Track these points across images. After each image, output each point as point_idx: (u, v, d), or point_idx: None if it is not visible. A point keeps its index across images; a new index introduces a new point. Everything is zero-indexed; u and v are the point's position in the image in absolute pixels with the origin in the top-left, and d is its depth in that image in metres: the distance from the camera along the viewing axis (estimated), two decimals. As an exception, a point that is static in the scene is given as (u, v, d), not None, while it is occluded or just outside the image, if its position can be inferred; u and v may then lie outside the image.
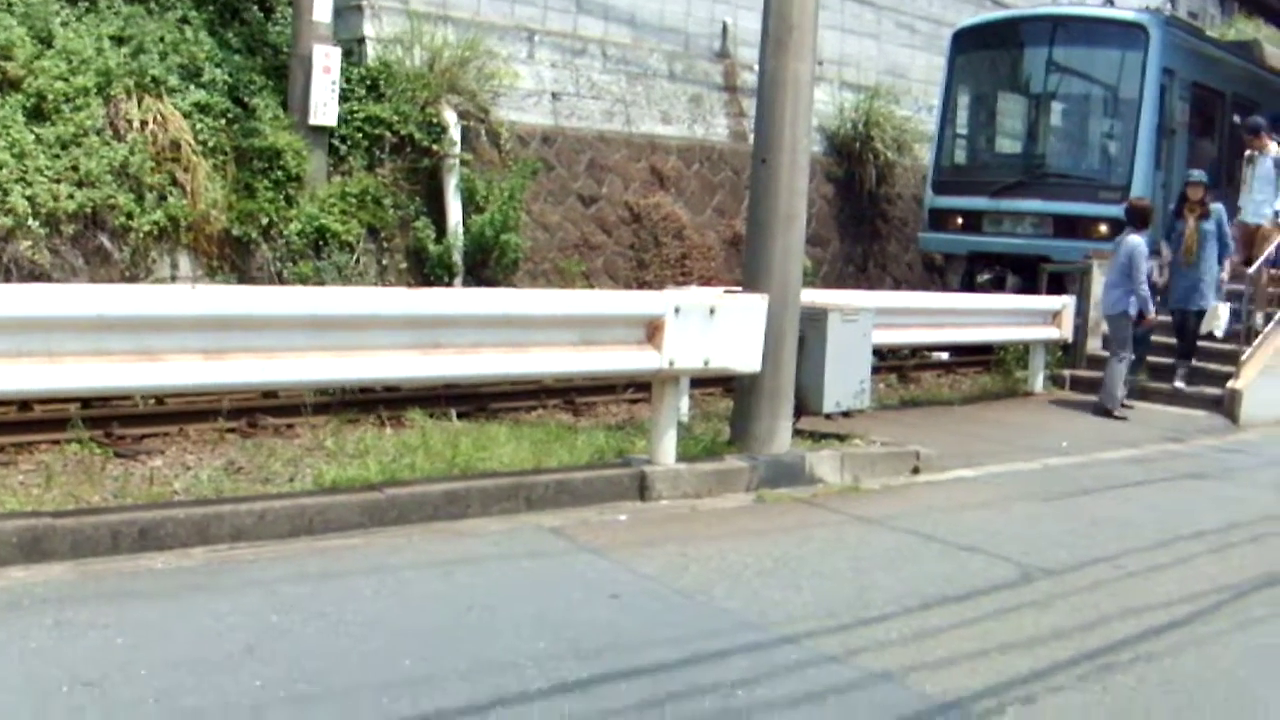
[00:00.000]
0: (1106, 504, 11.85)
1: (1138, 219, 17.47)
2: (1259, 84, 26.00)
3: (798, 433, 12.19)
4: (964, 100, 24.07)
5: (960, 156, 24.13)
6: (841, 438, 12.59)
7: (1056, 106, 23.61)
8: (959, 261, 23.39)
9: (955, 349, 19.92)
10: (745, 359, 11.02)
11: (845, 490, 11.50)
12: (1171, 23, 23.32)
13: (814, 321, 12.19)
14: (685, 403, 12.70)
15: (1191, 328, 18.41)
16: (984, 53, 23.93)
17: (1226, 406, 17.59)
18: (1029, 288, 20.85)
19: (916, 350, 19.12)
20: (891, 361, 18.35)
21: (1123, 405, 17.28)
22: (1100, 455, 14.39)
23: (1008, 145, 24.17)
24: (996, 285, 22.26)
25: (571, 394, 14.39)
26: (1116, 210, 19.27)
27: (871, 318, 13.00)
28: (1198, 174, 19.08)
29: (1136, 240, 17.12)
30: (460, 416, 12.90)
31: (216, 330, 8.47)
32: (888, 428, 13.79)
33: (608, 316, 10.45)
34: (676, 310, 10.42)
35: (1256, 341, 18.65)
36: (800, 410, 12.24)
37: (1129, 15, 22.37)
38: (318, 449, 11.18)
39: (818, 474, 11.64)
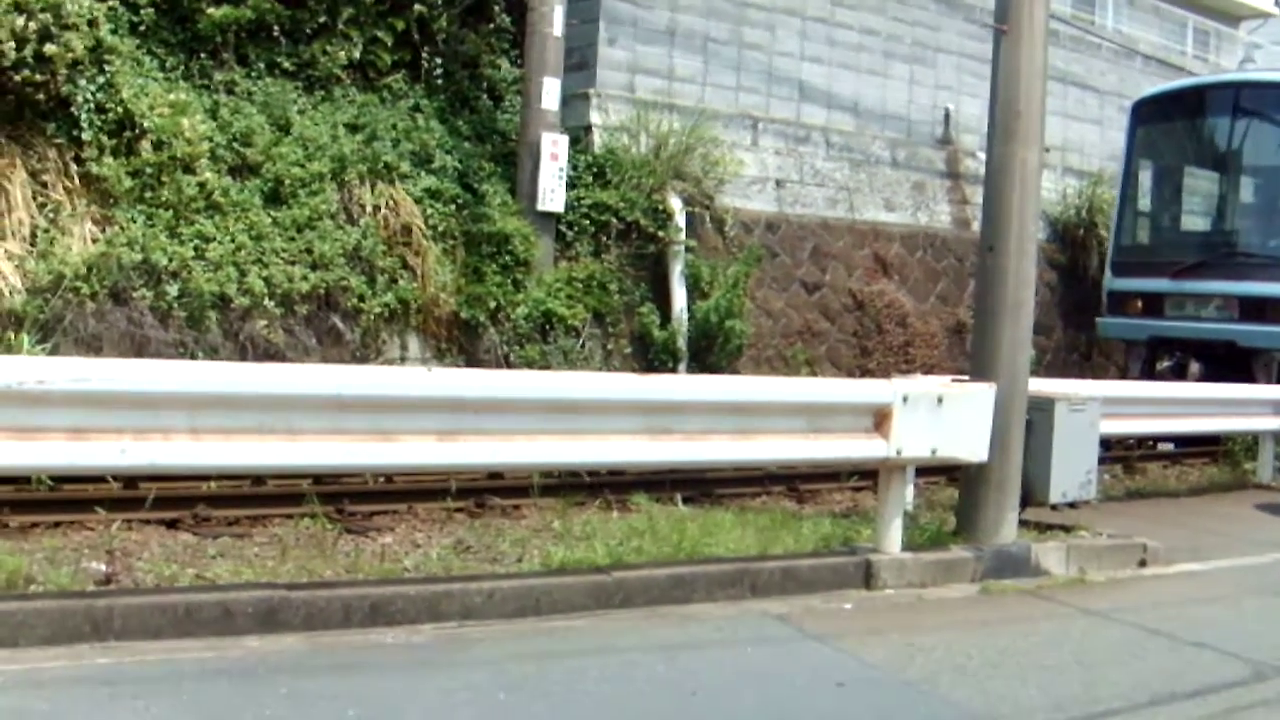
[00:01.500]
0: (1344, 602, 11.57)
1: None
2: None
3: (1023, 523, 12.02)
4: (1145, 175, 22.85)
5: (1141, 235, 22.91)
6: (1067, 529, 12.40)
7: (1243, 180, 22.06)
8: (1140, 349, 21.71)
9: (1181, 439, 19.17)
10: (973, 448, 10.92)
11: (1071, 582, 11.32)
12: None
13: (1041, 411, 12.04)
14: (910, 491, 12.58)
15: None
16: (1166, 124, 22.66)
17: None
18: (1214, 375, 19.67)
19: (1142, 441, 18.62)
20: (1117, 451, 17.88)
21: None
22: (1336, 550, 14.01)
23: (1191, 223, 22.94)
24: (1177, 373, 21.20)
25: (796, 481, 14.33)
26: None
27: (1099, 407, 12.81)
28: None
29: None
30: (686, 501, 12.93)
31: (451, 412, 8.59)
32: (1113, 519, 13.51)
33: (836, 404, 10.40)
34: (905, 399, 10.36)
35: None
36: (1026, 500, 12.07)
37: None
38: (545, 530, 11.27)
39: (1043, 565, 11.48)
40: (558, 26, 17.10)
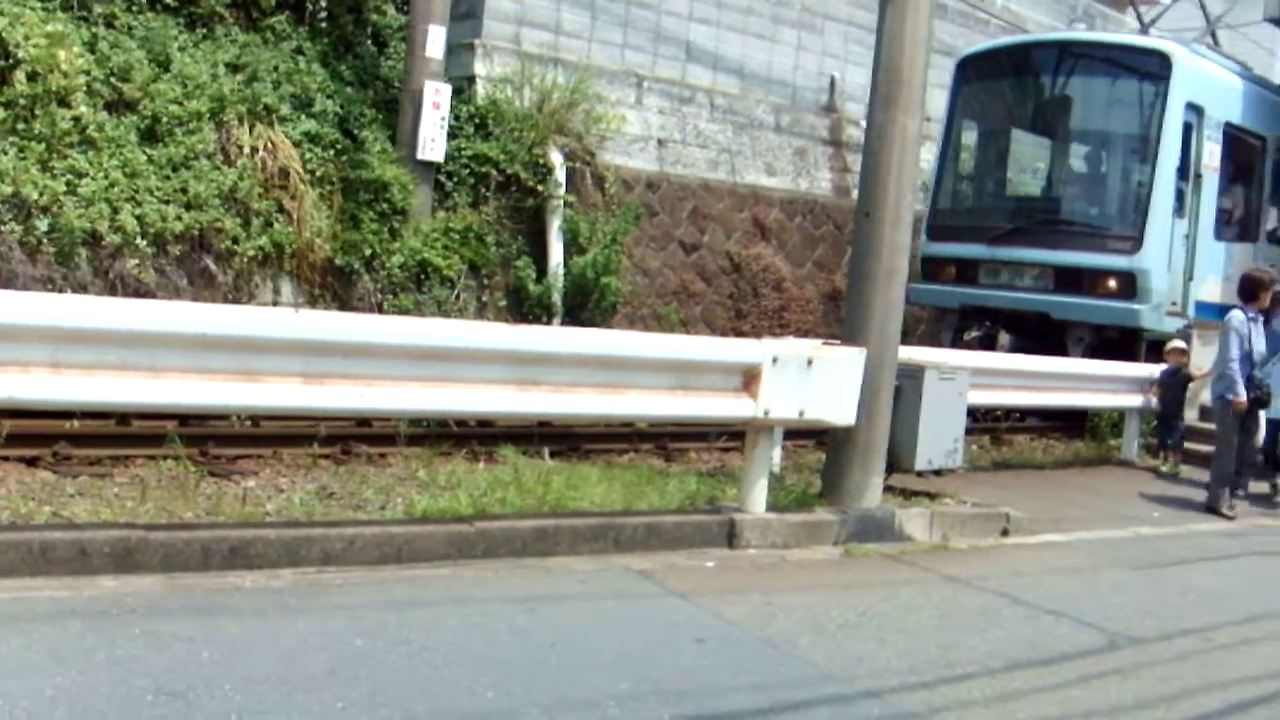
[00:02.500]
0: (1197, 575, 11.76)
1: (1246, 291, 15.73)
2: None
3: (888, 489, 12.15)
4: (968, 136, 22.14)
5: (960, 199, 22.14)
6: (932, 496, 12.56)
7: (1066, 145, 21.55)
8: (952, 317, 21.02)
9: (1050, 413, 19.33)
10: (840, 412, 10.96)
11: (934, 549, 11.45)
12: (1203, 53, 20.93)
13: (910, 378, 12.16)
14: (778, 453, 12.66)
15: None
16: (991, 83, 21.80)
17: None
18: (1026, 348, 18.38)
19: (1010, 412, 18.74)
20: (985, 423, 18.11)
21: (1228, 505, 15.23)
22: (1193, 526, 14.27)
23: (1011, 187, 22.22)
24: (986, 345, 19.38)
25: (664, 439, 14.39)
26: (1126, 263, 18.64)
27: (968, 377, 12.96)
28: None
29: (1231, 315, 15.42)
30: (553, 455, 12.94)
31: (317, 355, 8.53)
32: (978, 489, 13.70)
33: (705, 363, 10.39)
34: (774, 360, 10.38)
35: None
36: (892, 467, 12.18)
37: (1150, 42, 20.50)
38: (410, 479, 11.24)
39: (907, 531, 11.60)
40: (446, -27, 16.94)
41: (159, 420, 11.21)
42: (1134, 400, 18.04)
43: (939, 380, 12.39)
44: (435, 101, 16.54)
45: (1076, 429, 19.58)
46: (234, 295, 14.61)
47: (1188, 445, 18.12)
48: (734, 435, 13.83)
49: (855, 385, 11.01)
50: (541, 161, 17.87)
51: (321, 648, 6.86)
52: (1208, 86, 19.94)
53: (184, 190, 14.29)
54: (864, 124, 12.22)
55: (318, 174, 15.66)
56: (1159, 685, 7.91)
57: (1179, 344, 18.16)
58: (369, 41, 18.02)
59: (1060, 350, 18.82)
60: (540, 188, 17.77)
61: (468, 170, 17.33)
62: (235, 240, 14.58)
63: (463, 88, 17.99)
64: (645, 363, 10.07)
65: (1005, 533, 12.40)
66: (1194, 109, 19.45)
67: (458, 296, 16.55)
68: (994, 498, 13.23)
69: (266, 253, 14.87)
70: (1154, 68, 19.37)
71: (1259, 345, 15.35)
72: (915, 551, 11.25)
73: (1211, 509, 15.08)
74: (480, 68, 18.43)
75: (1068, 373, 17.19)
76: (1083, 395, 17.69)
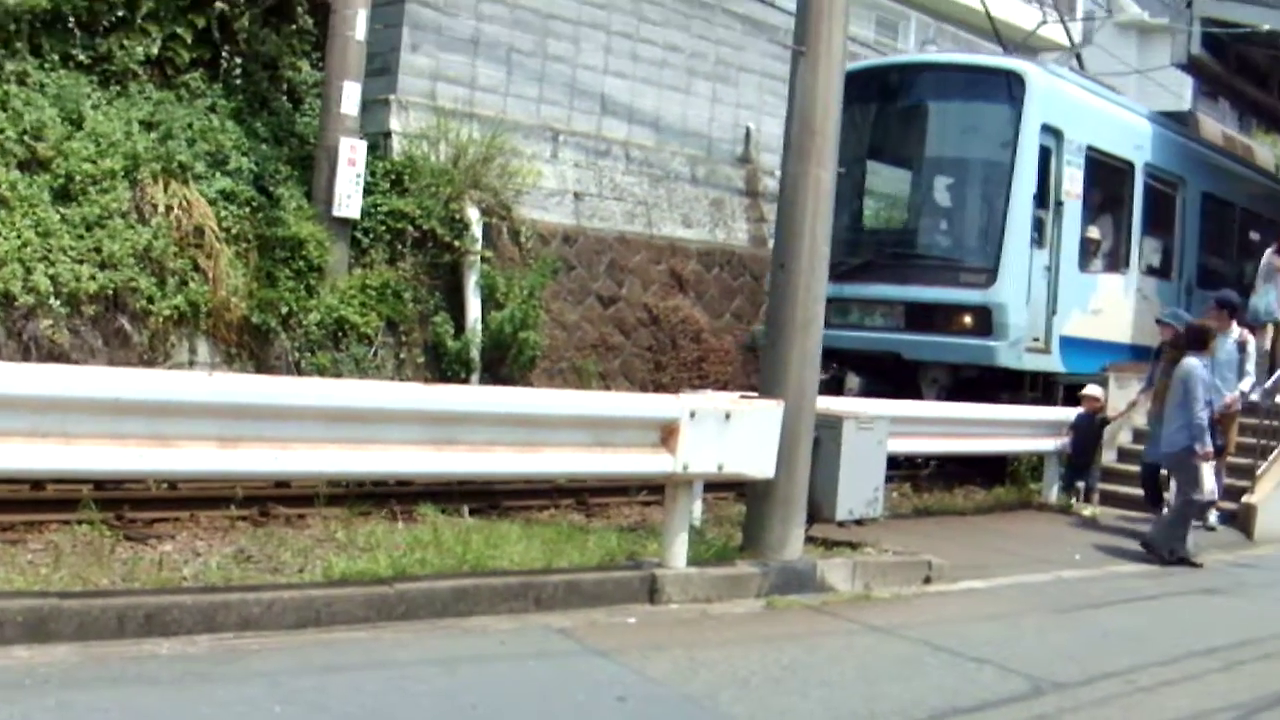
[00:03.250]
0: (1119, 617, 11.89)
1: (1196, 341, 15.48)
2: (1190, 159, 22.51)
3: (810, 539, 12.16)
4: None
5: None
6: (854, 545, 12.57)
7: (920, 173, 20.23)
8: None
9: (971, 459, 18.82)
10: (759, 465, 10.99)
11: (856, 599, 11.45)
12: (1062, 74, 20.34)
13: (829, 428, 12.16)
14: (698, 507, 12.65)
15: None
16: (844, 109, 19.72)
17: (1241, 521, 17.32)
18: (877, 391, 18.00)
19: (930, 459, 18.71)
20: (906, 470, 18.15)
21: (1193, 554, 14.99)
22: (1113, 568, 14.41)
23: (862, 219, 20.77)
24: (833, 389, 17.81)
25: (585, 494, 14.34)
26: (980, 297, 17.66)
27: (887, 426, 12.98)
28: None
29: (1192, 364, 15.06)
30: (473, 513, 12.88)
31: (232, 419, 8.47)
32: (901, 537, 13.71)
33: (622, 419, 10.43)
34: (692, 415, 10.41)
35: (1273, 455, 18.04)
36: (814, 517, 12.19)
37: (1002, 62, 19.50)
38: (328, 540, 11.14)
39: (829, 582, 11.60)
40: (360, 31, 16.94)
41: (74, 484, 11.09)
42: (1052, 444, 18.08)
43: (858, 430, 12.40)
44: (351, 158, 16.53)
45: (998, 474, 19.40)
46: (150, 355, 14.54)
47: (1106, 487, 18.25)
48: (655, 489, 13.79)
49: (774, 438, 11.03)
50: (458, 217, 17.88)
51: (241, 715, 6.80)
52: (1067, 108, 19.21)
53: (98, 250, 14.23)
54: (779, 174, 12.27)
55: (233, 232, 15.63)
56: (1082, 731, 7.97)
57: (1094, 390, 18.06)
58: (284, 98, 17.98)
59: (915, 393, 18.17)
60: (457, 243, 17.78)
61: (384, 226, 17.33)
62: (150, 300, 14.52)
63: (378, 144, 17.99)
64: (561, 420, 10.08)
65: (928, 580, 12.42)
66: (1051, 132, 18.62)
67: (376, 354, 16.53)
68: (916, 545, 13.24)
69: (182, 312, 14.82)
70: (1007, 89, 18.52)
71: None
72: (837, 602, 11.25)
73: (1182, 560, 14.84)
74: (396, 123, 18.43)
75: (985, 419, 17.18)
76: (1001, 440, 17.72)
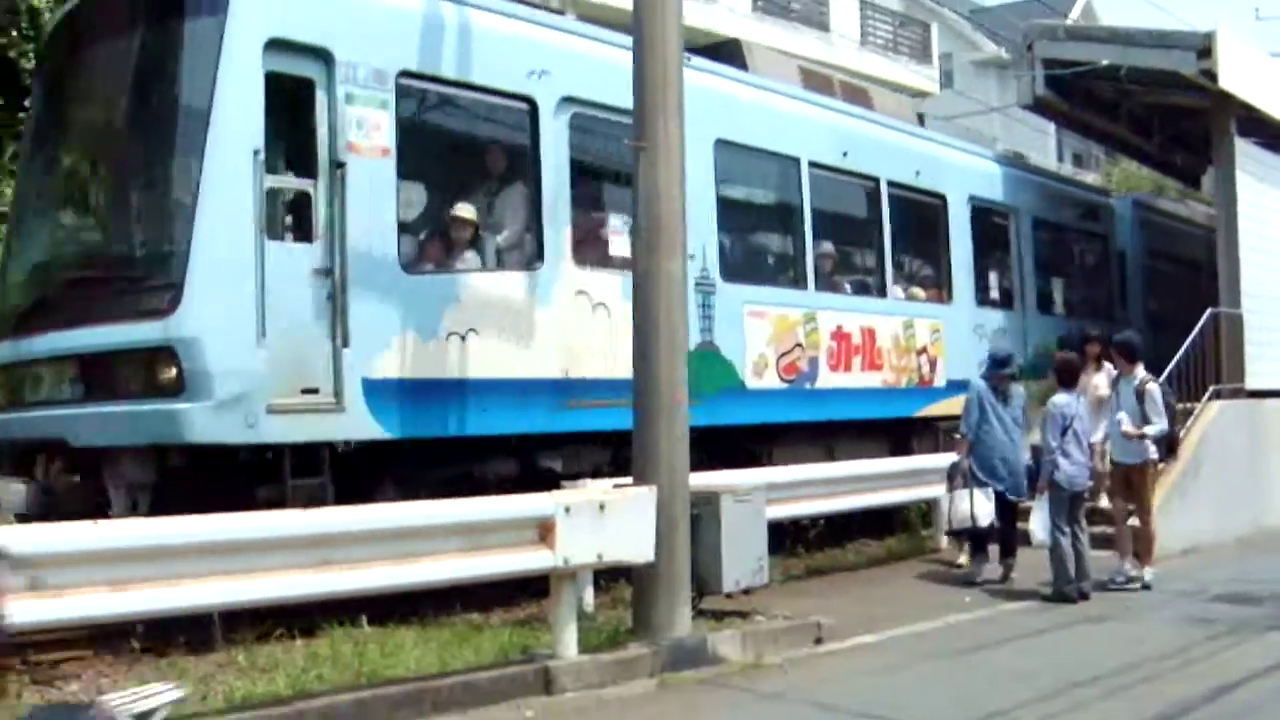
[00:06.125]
0: (1006, 656, 12.25)
1: (1066, 377, 15.61)
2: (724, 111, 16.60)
3: (700, 613, 12.46)
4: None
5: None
6: (744, 615, 12.87)
7: (88, 150, 13.73)
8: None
9: (857, 514, 18.43)
10: (639, 550, 11.33)
11: (747, 668, 11.73)
12: None
13: (707, 505, 12.43)
14: (589, 593, 12.89)
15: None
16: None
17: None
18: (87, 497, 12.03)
19: (817, 520, 17.94)
20: (794, 530, 18.03)
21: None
22: (1002, 606, 14.82)
23: (40, 241, 13.72)
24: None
25: (480, 590, 14.49)
26: (157, 333, 11.46)
27: (764, 495, 13.26)
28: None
29: (1053, 399, 15.39)
30: (370, 620, 13.04)
31: (123, 562, 8.73)
32: (792, 600, 14.05)
33: (497, 521, 10.75)
34: (567, 510, 10.76)
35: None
36: (702, 591, 12.49)
37: None
38: (230, 665, 11.22)
39: (720, 653, 11.89)
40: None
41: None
42: (938, 491, 17.87)
43: (735, 503, 12.65)
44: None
45: (888, 525, 19.52)
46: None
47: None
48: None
49: (650, 523, 11.36)
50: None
51: None
52: (341, 14, 12.68)
53: None
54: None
55: None
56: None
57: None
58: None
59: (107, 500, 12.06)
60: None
61: None
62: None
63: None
64: (438, 529, 10.39)
65: (819, 641, 12.73)
66: (301, 53, 12.26)
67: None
68: (807, 607, 13.57)
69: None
70: None
71: (1085, 425, 15.48)
72: (729, 673, 11.54)
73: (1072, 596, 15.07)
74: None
75: (866, 474, 17.48)
76: (885, 494, 17.80)
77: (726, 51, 18.15)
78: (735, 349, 16.31)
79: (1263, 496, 21.90)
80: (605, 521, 10.99)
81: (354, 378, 12.19)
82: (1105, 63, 22.07)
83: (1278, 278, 22.98)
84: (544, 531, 10.73)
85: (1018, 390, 16.64)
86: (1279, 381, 22.64)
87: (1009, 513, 16.34)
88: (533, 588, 12.59)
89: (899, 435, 20.07)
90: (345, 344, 12.10)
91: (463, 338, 13.16)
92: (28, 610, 8.44)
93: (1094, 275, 26.45)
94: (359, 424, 12.32)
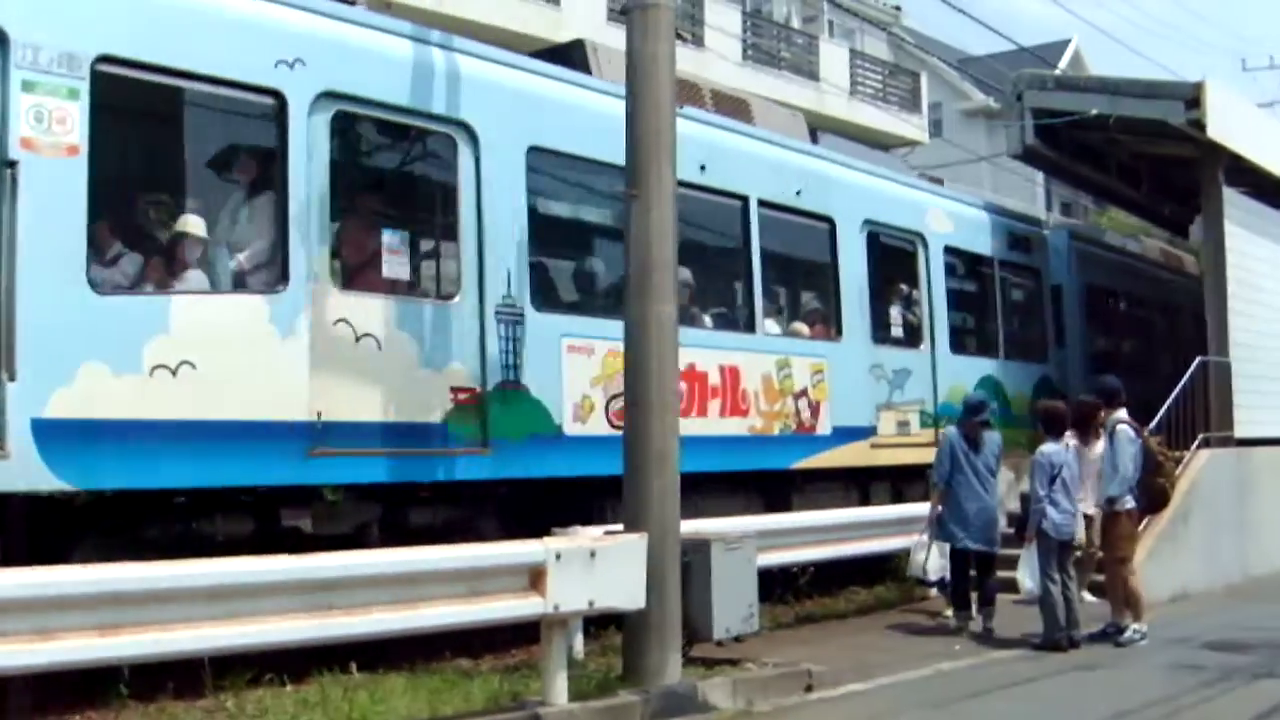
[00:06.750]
0: (995, 705, 12.31)
1: (1052, 425, 15.65)
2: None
3: (691, 660, 12.46)
4: None
5: None
6: (734, 662, 12.86)
7: None
8: None
9: (846, 562, 18.18)
10: (629, 597, 11.33)
11: (737, 716, 11.77)
12: None
13: (698, 552, 12.48)
14: (580, 640, 12.88)
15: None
16: None
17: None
18: None
19: (806, 567, 17.68)
20: (784, 579, 17.78)
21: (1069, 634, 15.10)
22: (993, 654, 14.83)
23: None
24: None
25: (470, 636, 14.46)
26: None
27: (754, 542, 13.29)
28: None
29: (1041, 449, 15.42)
30: (360, 667, 13.00)
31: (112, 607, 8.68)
32: (782, 647, 14.07)
33: (492, 567, 10.72)
34: (558, 556, 10.76)
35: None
36: (693, 638, 12.50)
37: None
38: (219, 711, 11.25)
39: (710, 701, 11.87)
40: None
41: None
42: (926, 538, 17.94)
43: (726, 551, 12.69)
44: None
45: (878, 572, 19.47)
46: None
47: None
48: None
49: (640, 570, 11.37)
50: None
51: None
52: None
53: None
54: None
55: None
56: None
57: None
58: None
59: None
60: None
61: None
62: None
63: None
64: (436, 575, 10.35)
65: (809, 689, 12.71)
66: None
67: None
68: (798, 654, 13.58)
69: None
70: None
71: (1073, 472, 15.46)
72: (719, 721, 11.50)
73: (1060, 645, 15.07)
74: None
75: (855, 522, 17.58)
76: (874, 541, 17.78)
77: (570, 54, 16.35)
78: (549, 389, 14.15)
79: (1252, 544, 21.96)
80: (596, 568, 10.99)
81: (21, 418, 10.17)
82: (1094, 112, 22.17)
83: (1266, 326, 23.07)
84: (535, 578, 10.74)
85: (992, 438, 16.57)
86: (1268, 430, 22.66)
87: (987, 563, 16.40)
88: (523, 634, 12.56)
89: (776, 491, 17.87)
90: (11, 378, 10.09)
91: (173, 371, 11.03)
92: (23, 657, 8.44)
93: (1023, 312, 24.70)
94: (25, 472, 10.25)
